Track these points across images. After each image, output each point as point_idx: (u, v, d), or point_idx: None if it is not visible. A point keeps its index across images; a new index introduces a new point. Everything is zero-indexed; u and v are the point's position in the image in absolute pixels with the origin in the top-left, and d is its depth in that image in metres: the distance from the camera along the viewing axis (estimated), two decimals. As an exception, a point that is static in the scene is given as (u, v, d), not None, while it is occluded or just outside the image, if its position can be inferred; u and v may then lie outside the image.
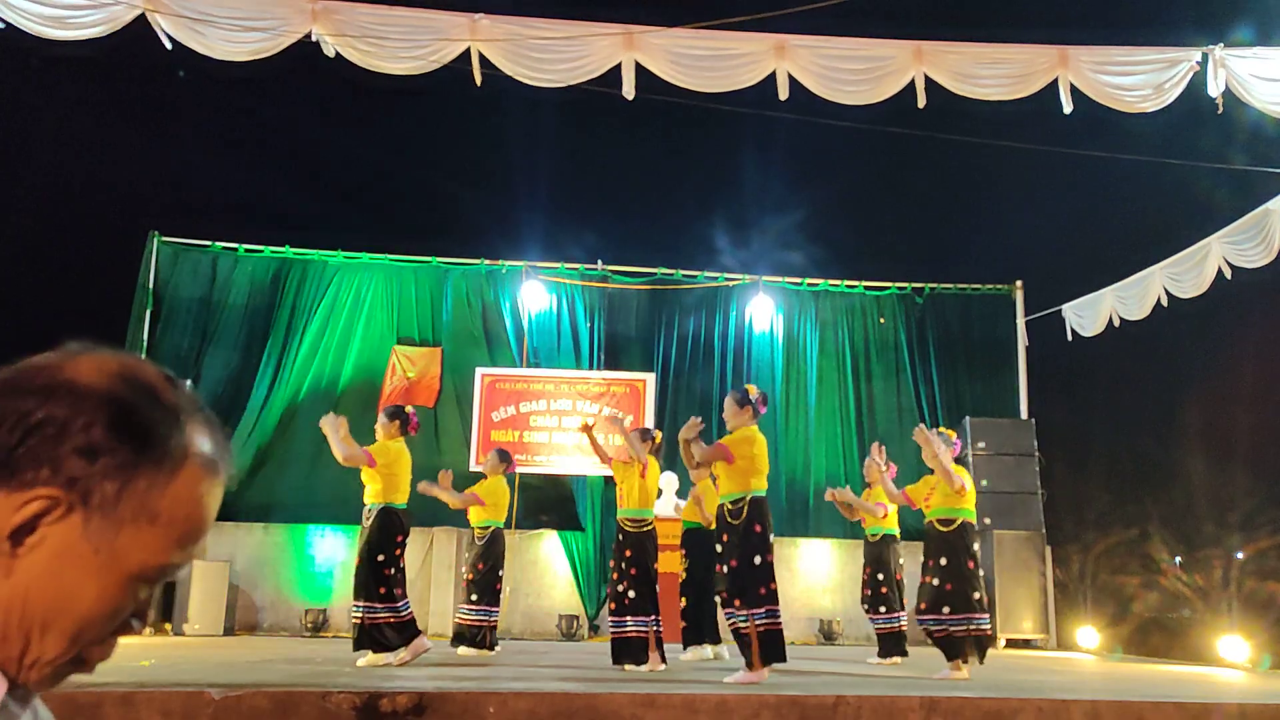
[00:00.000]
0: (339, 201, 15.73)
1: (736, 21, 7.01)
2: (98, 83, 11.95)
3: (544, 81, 7.06)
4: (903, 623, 7.79)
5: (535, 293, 11.81)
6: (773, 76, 6.93)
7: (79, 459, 0.74)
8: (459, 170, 15.99)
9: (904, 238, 16.42)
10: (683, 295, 12.22)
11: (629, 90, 6.87)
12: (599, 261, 12.07)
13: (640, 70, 6.91)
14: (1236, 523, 10.90)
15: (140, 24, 6.51)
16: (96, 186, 13.38)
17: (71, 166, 13.18)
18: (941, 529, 6.22)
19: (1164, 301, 10.28)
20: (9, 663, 0.74)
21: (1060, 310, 12.10)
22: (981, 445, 10.95)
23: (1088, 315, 11.64)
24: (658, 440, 6.84)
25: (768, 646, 5.34)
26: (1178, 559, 11.63)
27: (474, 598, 7.45)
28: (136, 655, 5.96)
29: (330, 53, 6.75)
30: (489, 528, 7.53)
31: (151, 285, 11.22)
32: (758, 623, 5.38)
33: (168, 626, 9.53)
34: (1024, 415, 11.87)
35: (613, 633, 6.32)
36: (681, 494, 9.22)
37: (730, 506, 5.56)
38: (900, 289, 12.52)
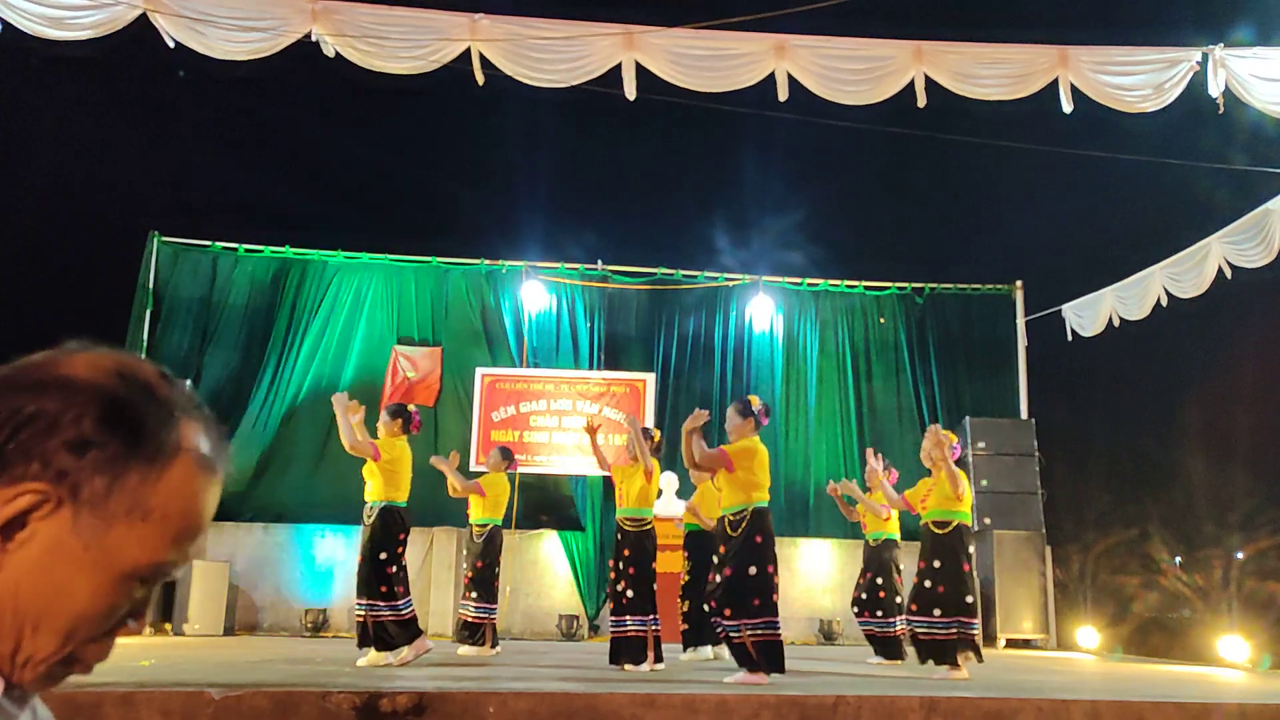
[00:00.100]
0: (339, 201, 15.74)
1: (736, 21, 7.02)
2: (98, 83, 11.96)
3: (544, 81, 7.07)
4: (901, 626, 7.78)
5: (535, 293, 11.82)
6: (772, 76, 6.93)
7: (68, 453, 0.73)
8: (459, 170, 16.00)
9: (904, 238, 16.42)
10: (683, 295, 12.22)
11: (630, 91, 6.87)
12: (599, 261, 12.07)
13: (640, 70, 6.91)
14: (1236, 523, 10.90)
15: (140, 24, 6.51)
16: (96, 186, 13.38)
17: (71, 166, 13.18)
18: (937, 531, 6.23)
19: (1164, 301, 10.29)
20: (2, 660, 0.73)
21: (1060, 310, 12.10)
22: (981, 445, 10.95)
23: (1088, 315, 11.64)
24: (657, 439, 6.84)
25: (766, 658, 5.28)
26: (1178, 559, 11.64)
27: (474, 595, 7.47)
28: (136, 655, 5.96)
29: (330, 53, 6.75)
30: (487, 526, 7.54)
31: (151, 285, 11.23)
32: (752, 633, 5.32)
33: (168, 626, 9.53)
34: (1024, 415, 11.87)
35: (613, 632, 6.33)
36: (683, 494, 9.23)
37: (732, 518, 5.52)
38: (900, 289, 12.52)
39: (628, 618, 6.25)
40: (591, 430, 7.19)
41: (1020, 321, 12.41)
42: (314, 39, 6.70)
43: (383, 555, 6.19)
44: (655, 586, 6.40)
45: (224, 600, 9.83)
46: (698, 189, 16.95)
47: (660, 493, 7.32)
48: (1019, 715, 4.19)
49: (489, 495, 7.53)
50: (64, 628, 0.74)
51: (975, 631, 6.11)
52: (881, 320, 12.43)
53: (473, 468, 10.34)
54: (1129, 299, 10.88)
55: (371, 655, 6.08)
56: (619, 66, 6.88)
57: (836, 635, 10.88)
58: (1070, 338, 11.93)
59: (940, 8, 12.26)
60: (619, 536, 6.50)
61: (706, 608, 5.55)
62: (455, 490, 7.59)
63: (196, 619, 9.51)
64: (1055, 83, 7.01)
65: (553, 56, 7.00)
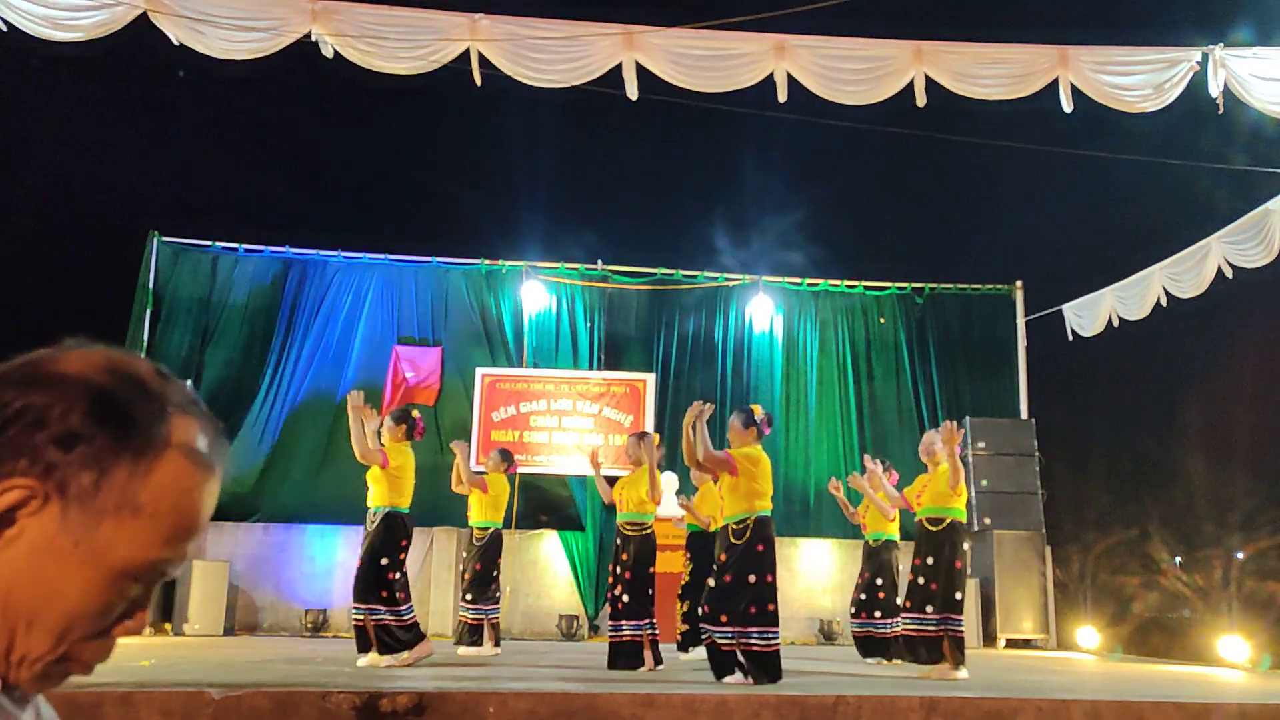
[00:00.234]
0: (339, 201, 15.75)
1: (736, 21, 7.02)
2: (98, 83, 11.96)
3: (544, 82, 7.06)
4: (897, 627, 7.77)
5: (535, 293, 11.82)
6: (772, 76, 6.93)
7: (56, 447, 0.72)
8: (459, 170, 15.99)
9: (904, 238, 16.42)
10: (683, 295, 12.23)
11: (632, 91, 6.87)
12: (599, 261, 12.07)
13: (640, 70, 6.91)
14: (1236, 523, 10.91)
15: (140, 24, 6.51)
16: (96, 186, 13.38)
17: (71, 166, 13.18)
18: (931, 528, 6.27)
19: (1164, 301, 10.29)
20: None
21: (1060, 310, 12.10)
22: (981, 445, 10.94)
23: (1088, 315, 11.64)
24: (656, 443, 6.82)
25: (764, 668, 5.26)
26: (1178, 559, 11.64)
27: (469, 597, 7.47)
28: (136, 655, 5.96)
29: (328, 53, 6.75)
30: (488, 529, 7.54)
31: (151, 285, 11.22)
32: (748, 642, 5.29)
33: (168, 626, 9.53)
34: (1024, 415, 11.87)
35: (610, 637, 6.35)
36: (683, 494, 9.21)
37: (735, 526, 5.50)
38: (900, 289, 12.52)
39: (623, 623, 6.27)
40: (595, 464, 7.22)
41: (1020, 321, 12.41)
42: (313, 39, 6.70)
43: (384, 561, 6.18)
44: (653, 591, 6.42)
45: (224, 600, 9.83)
46: (698, 189, 16.95)
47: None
48: (1019, 715, 4.19)
49: (491, 493, 7.54)
50: (57, 626, 0.73)
51: (961, 629, 6.14)
52: (881, 320, 12.43)
53: (473, 468, 10.32)
54: (1129, 299, 10.88)
55: (372, 656, 6.08)
56: (619, 66, 6.88)
57: (836, 635, 10.88)
58: (1070, 338, 11.93)
59: (940, 8, 12.26)
60: (619, 541, 6.51)
61: (700, 611, 5.53)
62: (459, 481, 7.57)
63: (196, 619, 9.52)
64: (1055, 83, 7.01)
65: (552, 56, 7.00)
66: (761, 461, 5.56)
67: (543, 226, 13.98)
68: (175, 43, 6.57)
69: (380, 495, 6.27)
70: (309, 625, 10.20)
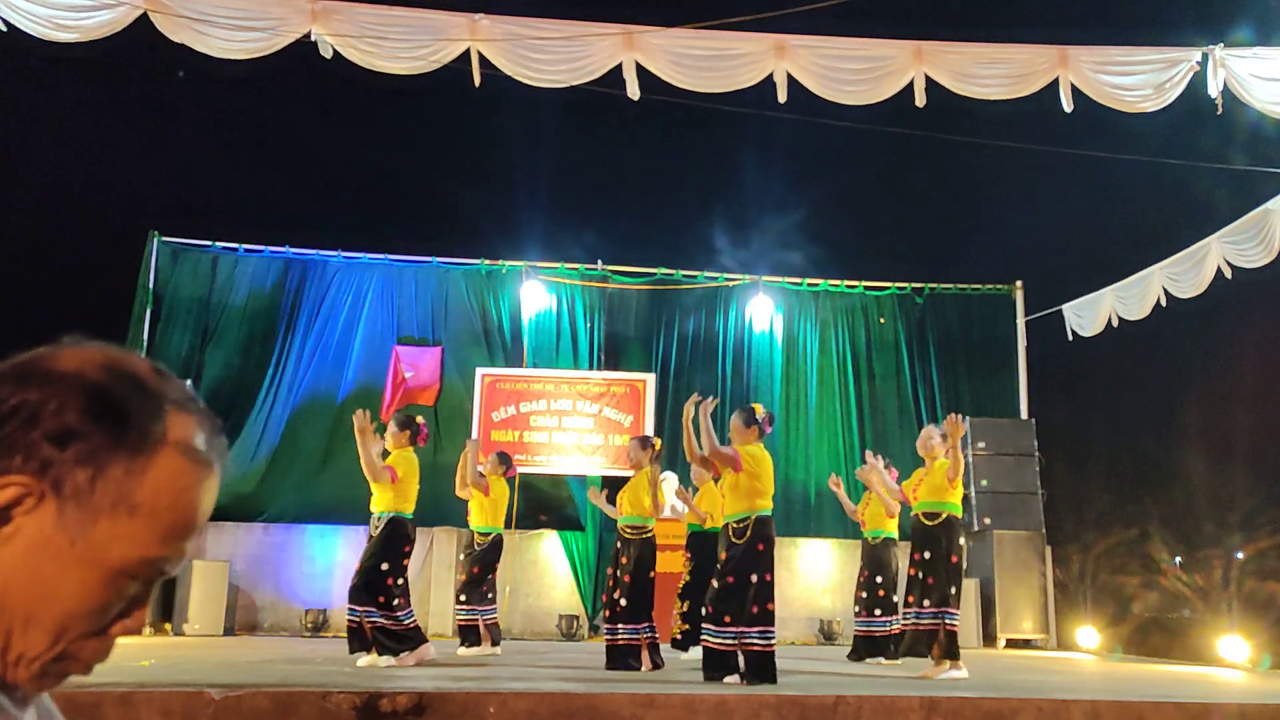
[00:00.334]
0: (339, 201, 15.73)
1: (736, 21, 7.01)
2: (98, 83, 11.96)
3: (544, 82, 7.07)
4: (896, 626, 7.78)
5: (535, 293, 11.82)
6: (772, 77, 6.93)
7: (51, 444, 0.71)
8: (459, 170, 15.99)
9: (904, 238, 16.42)
10: (683, 295, 12.23)
11: (633, 91, 6.87)
12: (599, 261, 12.07)
13: (640, 70, 6.91)
14: (1236, 523, 10.91)
15: (140, 24, 6.51)
16: (96, 186, 13.38)
17: (71, 166, 13.18)
18: (927, 522, 6.30)
19: (1163, 301, 10.29)
20: None
21: (1060, 310, 12.10)
22: (981, 445, 10.94)
23: (1087, 315, 11.64)
24: (658, 447, 6.81)
25: (758, 668, 5.25)
26: (1178, 559, 11.64)
27: (464, 598, 7.48)
28: (136, 655, 5.96)
29: (327, 53, 6.75)
30: (489, 534, 7.54)
31: (151, 285, 11.23)
32: (748, 642, 5.29)
33: (168, 626, 9.53)
34: (1024, 415, 11.87)
35: (606, 640, 6.35)
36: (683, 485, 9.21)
37: (735, 525, 5.51)
38: (900, 289, 12.52)
39: (620, 625, 6.26)
40: (597, 500, 7.34)
41: (1020, 321, 12.42)
42: (313, 39, 6.70)
43: (385, 565, 6.18)
44: (652, 594, 6.41)
45: (224, 600, 9.83)
46: (698, 189, 16.94)
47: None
48: (1019, 715, 4.19)
49: (492, 495, 7.54)
50: (54, 625, 0.72)
51: (955, 623, 6.15)
52: (881, 320, 12.44)
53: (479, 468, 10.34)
54: (1129, 299, 10.88)
55: (371, 656, 6.08)
56: (619, 66, 6.88)
57: (836, 635, 10.87)
58: (1070, 338, 11.94)
59: (940, 8, 12.27)
60: (619, 544, 6.51)
61: (704, 612, 5.52)
62: (463, 482, 7.57)
63: (196, 619, 9.51)
64: (1055, 83, 7.01)
65: (552, 57, 7.00)
66: (763, 460, 5.57)
67: (543, 226, 13.97)
68: (175, 40, 6.57)
69: (384, 500, 6.27)
70: (309, 625, 10.20)
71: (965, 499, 9.33)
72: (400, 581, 6.24)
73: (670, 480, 9.40)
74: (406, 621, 6.19)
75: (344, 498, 10.29)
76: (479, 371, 11.37)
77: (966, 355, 12.38)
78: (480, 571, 7.49)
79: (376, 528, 6.28)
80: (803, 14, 6.76)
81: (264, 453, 11.04)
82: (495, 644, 7.47)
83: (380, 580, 6.14)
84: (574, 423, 11.28)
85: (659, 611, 6.57)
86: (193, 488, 0.77)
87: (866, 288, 12.51)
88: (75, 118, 13.01)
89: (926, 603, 6.15)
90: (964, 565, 6.50)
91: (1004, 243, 15.13)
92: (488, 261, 11.96)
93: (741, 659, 5.31)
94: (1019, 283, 12.56)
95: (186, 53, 6.70)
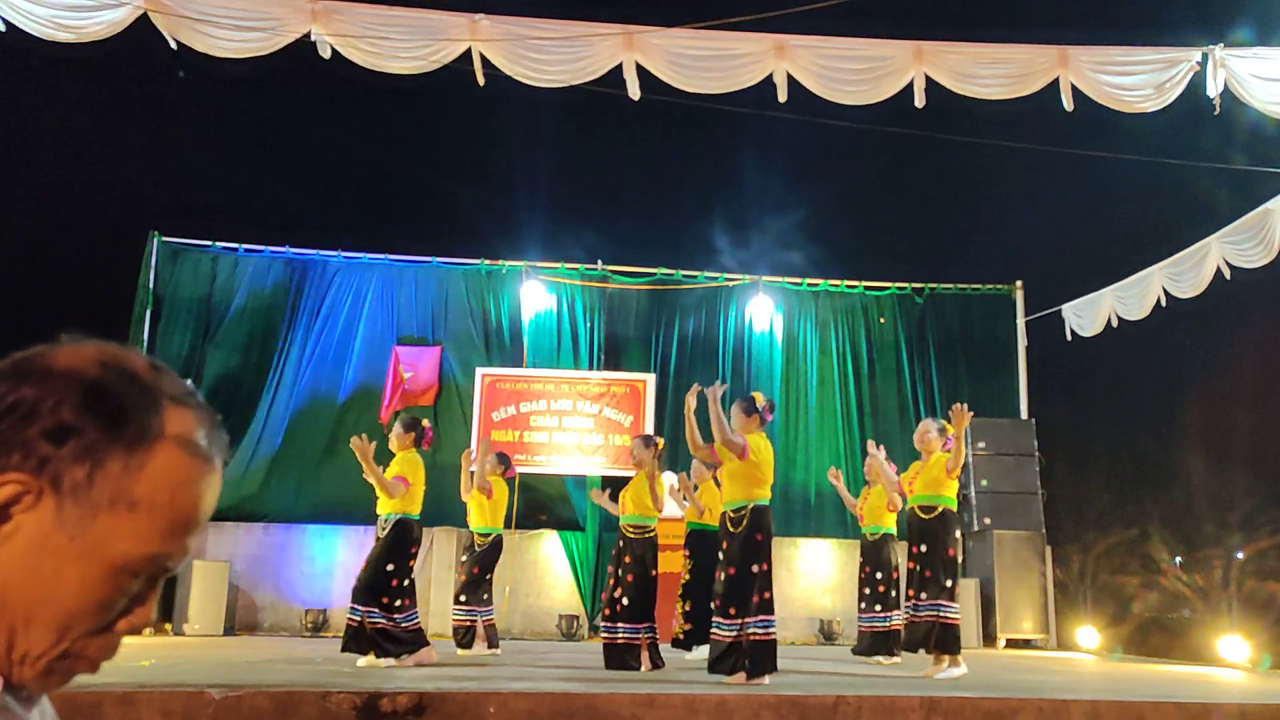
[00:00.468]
0: (339, 201, 15.74)
1: (736, 21, 7.02)
2: (98, 83, 11.96)
3: (544, 82, 7.07)
4: (896, 621, 7.77)
5: (535, 293, 11.82)
6: (772, 77, 6.93)
7: (47, 441, 0.71)
8: (459, 170, 16.00)
9: (904, 238, 16.43)
10: (683, 295, 12.23)
11: (634, 91, 6.87)
12: (599, 261, 12.07)
13: (640, 70, 6.91)
14: (1236, 523, 10.91)
15: (140, 24, 6.51)
16: (96, 186, 13.39)
17: (71, 166, 13.19)
18: (923, 515, 6.32)
19: (1163, 302, 10.29)
20: None
21: (1060, 310, 12.10)
22: (981, 445, 10.95)
23: (1087, 315, 11.64)
24: (660, 447, 6.81)
25: (760, 658, 5.26)
26: (1178, 559, 11.64)
27: (463, 598, 7.48)
28: (136, 655, 5.96)
29: (326, 53, 6.75)
30: (489, 535, 7.54)
31: (151, 285, 11.23)
32: (750, 632, 5.30)
33: (168, 626, 9.53)
34: (1024, 415, 11.87)
35: (604, 639, 6.34)
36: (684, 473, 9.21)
37: (733, 514, 5.52)
38: (900, 289, 12.52)
39: (619, 625, 6.25)
40: (599, 500, 7.41)
41: (1020, 321, 12.42)
42: (313, 39, 6.70)
43: (390, 567, 6.18)
44: (654, 594, 6.41)
45: (224, 600, 9.83)
46: (698, 189, 16.96)
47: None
48: (1019, 715, 4.20)
49: (493, 497, 7.55)
50: (57, 623, 0.72)
51: (953, 616, 6.15)
52: (881, 320, 12.44)
53: (472, 469, 10.33)
54: (1129, 299, 10.88)
55: (371, 658, 6.07)
56: (619, 67, 6.88)
57: (836, 635, 10.88)
58: (1070, 338, 11.94)
59: (940, 8, 12.27)
60: (620, 544, 6.50)
61: (713, 606, 5.54)
62: (468, 483, 7.57)
63: (196, 619, 9.52)
64: (1055, 83, 7.01)
65: (553, 57, 7.00)
66: (765, 449, 5.58)
67: (543, 226, 13.98)
68: (173, 45, 6.57)
69: (391, 502, 6.28)
70: (309, 625, 10.20)
71: (965, 499, 9.33)
72: (405, 583, 6.24)
73: (670, 480, 9.40)
74: (407, 624, 6.18)
75: (344, 498, 10.30)
76: (479, 371, 11.37)
77: (966, 355, 12.38)
78: (480, 572, 7.50)
79: (384, 529, 6.29)
80: (803, 14, 6.76)
81: (264, 453, 11.03)
82: (493, 646, 7.46)
83: (385, 581, 6.14)
84: (574, 423, 11.28)
85: (659, 611, 6.56)
86: (192, 482, 0.77)
87: (866, 288, 12.51)
88: (75, 118, 13.02)
89: (924, 595, 6.18)
90: (959, 558, 6.53)
91: (1004, 243, 15.16)
92: (488, 261, 11.96)
93: (747, 650, 5.31)
94: (1019, 283, 12.56)
95: (186, 53, 6.70)
